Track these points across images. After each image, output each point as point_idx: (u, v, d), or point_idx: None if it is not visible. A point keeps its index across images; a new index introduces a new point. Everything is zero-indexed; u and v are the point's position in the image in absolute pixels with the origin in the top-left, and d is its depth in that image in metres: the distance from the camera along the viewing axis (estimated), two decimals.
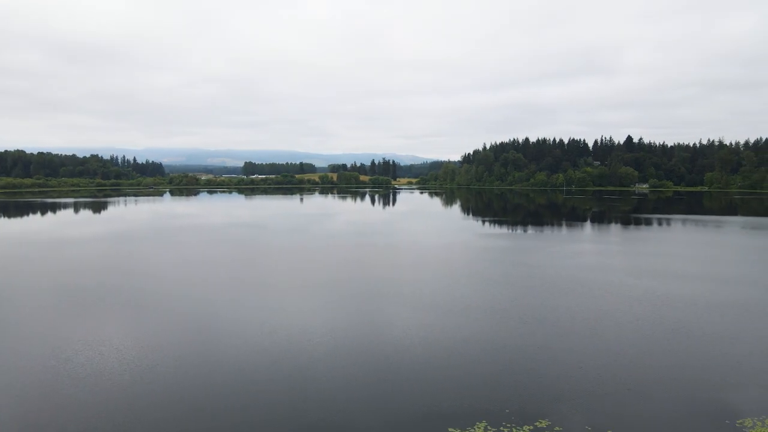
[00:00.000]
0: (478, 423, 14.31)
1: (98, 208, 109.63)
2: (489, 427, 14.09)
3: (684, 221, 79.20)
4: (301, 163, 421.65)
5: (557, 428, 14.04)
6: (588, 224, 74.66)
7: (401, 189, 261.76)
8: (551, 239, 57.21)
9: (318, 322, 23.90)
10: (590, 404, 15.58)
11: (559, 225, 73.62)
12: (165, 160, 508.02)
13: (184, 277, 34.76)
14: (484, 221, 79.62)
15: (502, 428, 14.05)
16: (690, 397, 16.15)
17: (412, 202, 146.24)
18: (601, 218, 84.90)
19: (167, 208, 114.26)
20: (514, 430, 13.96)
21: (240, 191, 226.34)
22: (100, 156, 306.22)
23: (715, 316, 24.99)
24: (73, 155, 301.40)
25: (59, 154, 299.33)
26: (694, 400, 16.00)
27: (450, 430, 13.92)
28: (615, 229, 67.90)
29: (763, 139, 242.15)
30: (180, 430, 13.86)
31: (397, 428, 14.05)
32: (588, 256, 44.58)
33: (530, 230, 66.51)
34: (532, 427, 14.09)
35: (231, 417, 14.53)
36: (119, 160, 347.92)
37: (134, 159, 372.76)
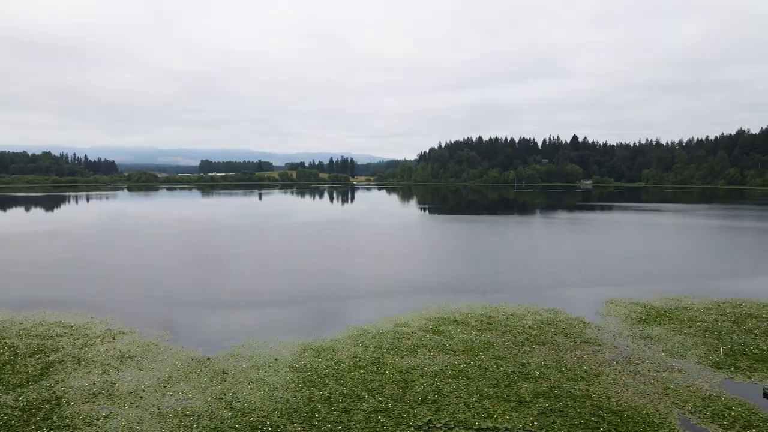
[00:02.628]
0: (433, 304, 22.25)
1: (71, 203, 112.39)
2: (425, 309, 22.06)
3: (623, 209, 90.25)
4: (259, 161, 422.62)
5: (477, 303, 22.11)
6: (538, 213, 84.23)
7: (360, 186, 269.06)
8: (498, 221, 66.19)
9: (303, 261, 31.34)
10: (511, 292, 23.78)
11: (511, 213, 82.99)
12: (114, 159, 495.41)
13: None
14: (438, 211, 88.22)
15: (430, 305, 22.03)
16: (584, 291, 24.59)
17: (373, 196, 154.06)
18: (550, 209, 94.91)
19: (144, 203, 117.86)
20: (435, 307, 21.94)
21: (200, 188, 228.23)
22: (51, 153, 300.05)
23: (599, 256, 33.92)
24: (24, 152, 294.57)
25: (7, 151, 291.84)
26: (587, 292, 24.44)
27: (397, 314, 21.76)
28: (562, 214, 77.61)
29: (695, 139, 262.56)
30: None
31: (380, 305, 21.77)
32: (530, 231, 53.53)
33: (483, 216, 75.47)
34: (459, 308, 22.13)
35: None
36: (69, 158, 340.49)
37: (85, 156, 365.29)
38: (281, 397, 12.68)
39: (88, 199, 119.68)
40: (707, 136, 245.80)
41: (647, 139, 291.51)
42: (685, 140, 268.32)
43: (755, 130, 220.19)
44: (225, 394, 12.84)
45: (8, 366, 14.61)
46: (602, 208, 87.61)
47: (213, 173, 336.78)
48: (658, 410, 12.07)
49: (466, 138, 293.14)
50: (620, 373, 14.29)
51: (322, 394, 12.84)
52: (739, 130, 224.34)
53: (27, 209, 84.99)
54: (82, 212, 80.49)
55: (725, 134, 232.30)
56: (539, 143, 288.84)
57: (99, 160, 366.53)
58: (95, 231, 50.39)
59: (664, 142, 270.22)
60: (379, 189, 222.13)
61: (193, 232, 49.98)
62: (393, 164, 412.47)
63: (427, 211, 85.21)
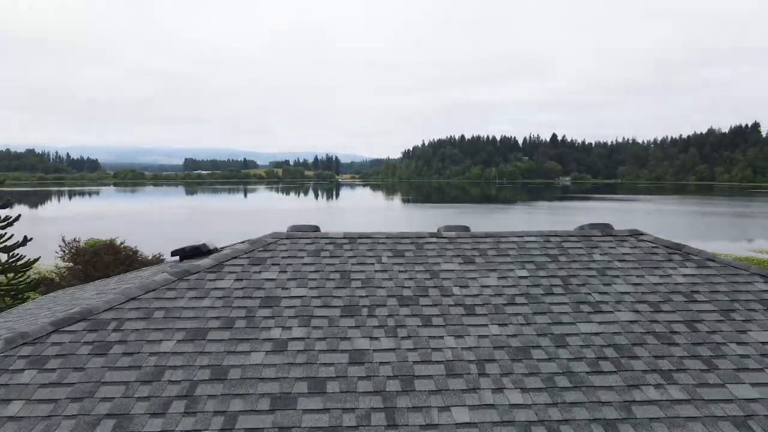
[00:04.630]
0: None
1: (93, 198, 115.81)
2: None
3: (599, 199, 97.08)
4: (244, 160, 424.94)
5: None
6: (518, 203, 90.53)
7: (345, 183, 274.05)
8: (479, 208, 72.23)
9: None
10: None
11: (492, 203, 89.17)
12: (95, 158, 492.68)
13: None
14: (422, 201, 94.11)
15: None
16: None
17: (361, 193, 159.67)
18: (530, 201, 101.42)
19: (154, 199, 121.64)
20: None
21: (187, 185, 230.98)
22: (35, 151, 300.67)
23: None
24: (7, 150, 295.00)
25: None
26: None
27: None
28: (541, 204, 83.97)
29: (669, 138, 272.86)
30: None
31: None
32: (508, 214, 59.52)
33: (467, 204, 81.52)
34: None
35: None
36: (51, 156, 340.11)
37: (67, 155, 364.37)
38: None
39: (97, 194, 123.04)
40: (680, 135, 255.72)
41: (624, 138, 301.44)
42: (659, 139, 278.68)
43: (725, 129, 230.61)
44: None
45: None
46: (579, 199, 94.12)
47: (199, 171, 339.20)
48: None
49: (449, 136, 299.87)
50: None
51: None
52: (709, 129, 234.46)
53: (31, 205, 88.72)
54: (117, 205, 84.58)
55: (697, 133, 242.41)
56: (520, 141, 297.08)
57: (81, 158, 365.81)
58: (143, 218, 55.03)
59: (640, 141, 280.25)
60: (364, 186, 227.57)
61: (217, 213, 54.87)
62: (377, 163, 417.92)
63: (412, 203, 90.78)
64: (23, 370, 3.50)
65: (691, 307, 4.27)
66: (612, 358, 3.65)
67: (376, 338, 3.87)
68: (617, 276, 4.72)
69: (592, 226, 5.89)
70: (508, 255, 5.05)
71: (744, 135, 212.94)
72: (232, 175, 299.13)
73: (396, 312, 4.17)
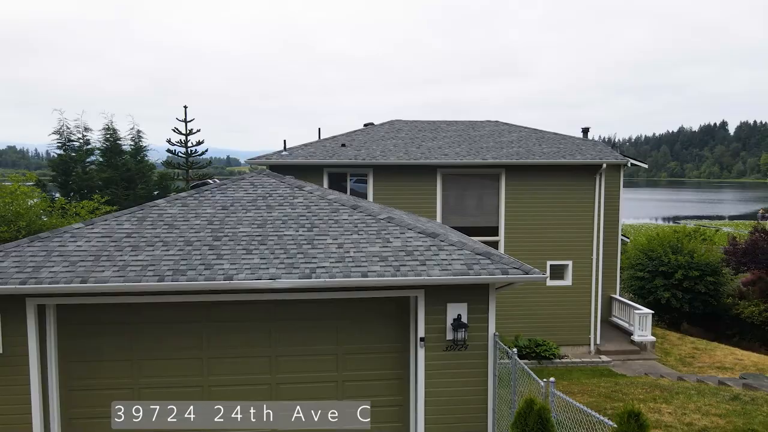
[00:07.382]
0: None
1: None
2: None
3: None
4: (228, 157, 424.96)
5: None
6: None
7: None
8: None
9: None
10: None
11: None
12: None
13: None
14: None
15: None
16: None
17: None
18: None
19: None
20: None
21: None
22: (15, 147, 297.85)
23: None
24: None
25: None
26: None
27: None
28: None
29: (643, 136, 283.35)
30: None
31: None
32: None
33: None
34: None
35: None
36: (29, 153, 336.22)
37: (47, 152, 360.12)
38: None
39: None
40: (653, 133, 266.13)
41: (599, 136, 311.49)
42: (634, 137, 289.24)
43: (695, 128, 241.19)
44: None
45: None
46: None
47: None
48: None
49: None
50: None
51: None
52: (680, 128, 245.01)
53: None
54: None
55: (669, 131, 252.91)
56: None
57: None
58: None
59: (617, 140, 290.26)
60: None
61: None
62: None
63: None
64: None
65: None
66: None
67: None
68: None
69: None
70: None
71: (713, 133, 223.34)
72: (216, 172, 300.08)
73: None
